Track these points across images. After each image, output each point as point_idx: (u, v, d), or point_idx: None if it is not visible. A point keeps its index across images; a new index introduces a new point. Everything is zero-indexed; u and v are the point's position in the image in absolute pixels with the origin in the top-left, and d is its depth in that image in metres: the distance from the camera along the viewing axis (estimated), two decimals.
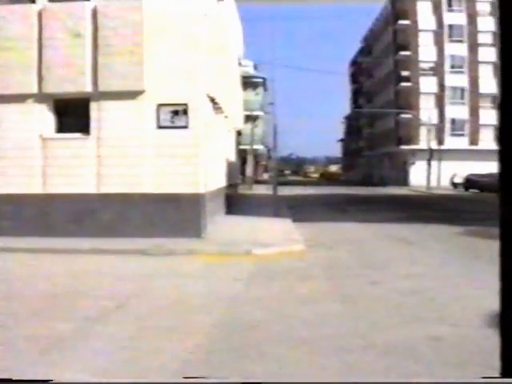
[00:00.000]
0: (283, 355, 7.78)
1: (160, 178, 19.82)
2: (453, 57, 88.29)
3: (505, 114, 3.43)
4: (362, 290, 12.34)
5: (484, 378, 5.03)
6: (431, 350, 8.06)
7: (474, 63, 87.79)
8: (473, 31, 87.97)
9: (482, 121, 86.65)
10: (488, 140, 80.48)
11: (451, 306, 10.78)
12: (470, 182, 67.05)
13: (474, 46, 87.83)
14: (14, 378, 6.17)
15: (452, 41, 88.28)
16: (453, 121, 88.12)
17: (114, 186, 19.91)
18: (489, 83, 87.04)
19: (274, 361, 7.55)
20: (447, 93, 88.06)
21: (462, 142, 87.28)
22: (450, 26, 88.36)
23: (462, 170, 73.61)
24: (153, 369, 7.25)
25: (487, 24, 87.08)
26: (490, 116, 79.89)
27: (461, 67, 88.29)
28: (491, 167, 61.54)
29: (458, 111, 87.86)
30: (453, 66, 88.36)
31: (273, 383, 6.66)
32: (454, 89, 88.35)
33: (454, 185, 74.92)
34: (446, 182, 75.54)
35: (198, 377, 6.69)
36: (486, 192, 60.19)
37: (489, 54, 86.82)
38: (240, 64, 48.08)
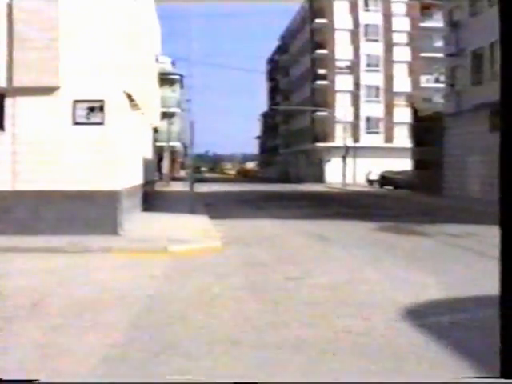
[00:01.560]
0: (200, 351, 7.82)
1: (76, 175, 19.59)
2: (368, 56, 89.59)
3: (505, 114, 3.51)
4: (278, 285, 12.45)
5: (484, 378, 5.17)
6: (346, 344, 8.23)
7: (389, 62, 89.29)
8: (388, 31, 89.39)
9: (396, 119, 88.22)
10: (402, 138, 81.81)
11: (365, 300, 10.97)
12: (385, 179, 68.14)
13: (389, 46, 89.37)
14: (3, 379, 6.14)
15: (368, 40, 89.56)
16: (368, 119, 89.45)
17: (29, 182, 19.58)
18: (403, 82, 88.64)
19: (191, 358, 7.59)
20: (363, 91, 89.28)
21: (377, 140, 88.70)
22: (366, 26, 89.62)
23: (377, 167, 74.73)
24: (69, 366, 7.22)
25: (402, 24, 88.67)
26: (404, 114, 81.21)
27: (376, 66, 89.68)
28: (405, 164, 62.76)
29: (373, 109, 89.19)
30: (368, 65, 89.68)
31: (273, 383, 6.71)
32: (370, 87, 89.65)
33: (370, 182, 76.07)
34: (361, 179, 76.65)
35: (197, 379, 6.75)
36: (400, 189, 61.35)
37: (403, 54, 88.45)
38: (157, 61, 47.83)
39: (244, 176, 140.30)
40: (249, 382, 6.53)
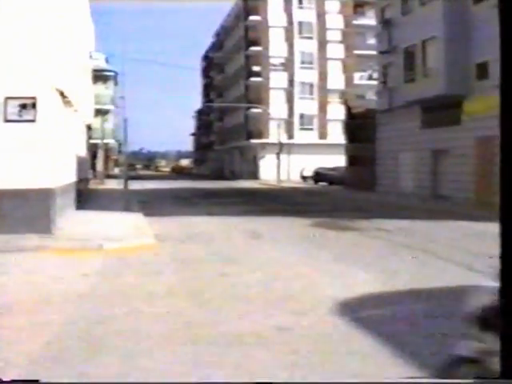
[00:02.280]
0: (134, 349, 7.81)
1: (8, 173, 19.31)
2: (303, 53, 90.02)
3: (505, 114, 3.51)
4: (212, 282, 12.48)
5: (484, 378, 5.20)
6: (279, 339, 8.28)
7: (322, 60, 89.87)
8: (322, 28, 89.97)
9: (330, 116, 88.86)
10: (336, 134, 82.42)
11: (298, 296, 11.06)
12: (319, 175, 68.58)
13: (323, 43, 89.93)
14: (3, 379, 6.03)
15: (302, 37, 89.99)
16: (302, 115, 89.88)
17: None
18: (337, 79, 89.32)
19: (126, 356, 7.56)
20: (297, 88, 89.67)
21: (311, 136, 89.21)
22: (300, 23, 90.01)
23: (311, 163, 75.17)
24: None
25: (335, 22, 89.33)
26: (337, 111, 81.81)
27: (310, 63, 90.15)
28: (339, 160, 63.27)
29: (307, 106, 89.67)
30: (303, 62, 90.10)
31: (273, 383, 6.69)
32: (304, 84, 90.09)
33: (304, 178, 76.46)
34: (295, 176, 77.00)
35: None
36: (334, 185, 61.85)
37: (337, 51, 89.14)
38: (91, 57, 47.34)
39: (178, 173, 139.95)
40: (250, 382, 6.54)
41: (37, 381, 5.44)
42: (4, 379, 5.90)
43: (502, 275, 3.43)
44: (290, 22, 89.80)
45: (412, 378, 6.35)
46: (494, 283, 3.88)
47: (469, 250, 17.16)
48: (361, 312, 9.87)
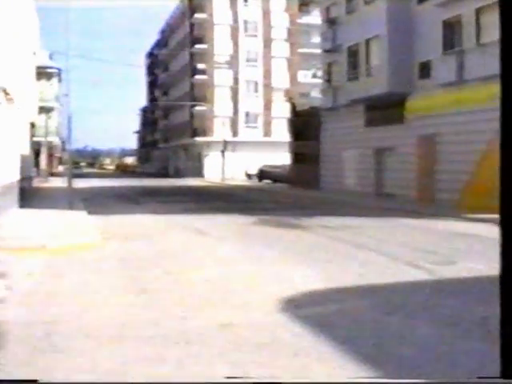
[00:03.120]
0: (78, 349, 7.76)
1: None
2: (248, 51, 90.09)
3: (505, 114, 3.53)
4: (157, 280, 12.44)
5: (484, 378, 5.21)
6: (223, 336, 8.30)
7: (267, 58, 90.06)
8: (267, 26, 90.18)
9: (274, 113, 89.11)
10: (280, 132, 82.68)
11: (243, 293, 11.09)
12: (264, 173, 68.70)
13: (268, 41, 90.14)
14: (1, 379, 6.05)
15: (247, 35, 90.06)
16: (247, 113, 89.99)
17: None
18: (282, 77, 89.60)
19: (69, 355, 7.52)
20: (242, 86, 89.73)
21: (256, 134, 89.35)
22: (245, 21, 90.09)
23: (256, 161, 75.31)
24: None
25: (281, 20, 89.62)
26: (282, 109, 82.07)
27: (255, 61, 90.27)
28: (284, 158, 63.47)
29: (252, 104, 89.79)
30: (248, 60, 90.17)
31: (273, 383, 6.67)
32: (249, 82, 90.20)
33: (248, 176, 76.56)
34: (240, 173, 77.08)
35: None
36: (279, 183, 62.06)
37: (282, 49, 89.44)
38: (34, 54, 46.83)
39: (123, 171, 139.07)
40: (250, 382, 6.53)
41: (35, 381, 5.42)
42: (1, 379, 5.87)
43: (502, 276, 3.46)
44: (236, 20, 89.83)
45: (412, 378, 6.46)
46: None
47: (411, 247, 17.38)
48: (305, 309, 9.93)
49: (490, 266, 14.33)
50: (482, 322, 9.07)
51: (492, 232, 22.05)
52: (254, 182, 68.95)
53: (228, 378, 6.48)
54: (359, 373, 6.75)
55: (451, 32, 33.93)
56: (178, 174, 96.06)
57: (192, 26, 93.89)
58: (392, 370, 6.88)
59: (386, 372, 6.79)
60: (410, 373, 6.84)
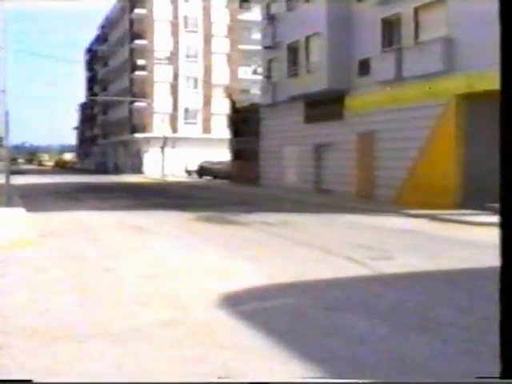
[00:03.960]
0: (18, 349, 7.67)
1: None
2: (188, 47, 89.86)
3: (505, 114, 3.52)
4: (95, 277, 12.33)
5: (484, 378, 5.20)
6: (163, 334, 8.26)
7: (208, 54, 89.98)
8: (207, 22, 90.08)
9: (214, 110, 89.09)
10: (220, 128, 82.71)
11: (183, 290, 11.04)
12: (204, 169, 68.69)
13: (208, 37, 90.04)
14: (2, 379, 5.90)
15: (187, 31, 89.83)
16: (186, 109, 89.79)
17: None
18: (221, 73, 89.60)
19: (10, 355, 7.43)
20: (182, 82, 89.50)
21: (196, 131, 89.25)
22: (186, 17, 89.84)
23: (196, 157, 75.23)
24: None
25: (221, 16, 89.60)
26: (222, 105, 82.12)
27: (195, 57, 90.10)
28: (224, 154, 63.50)
29: (191, 100, 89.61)
30: (188, 56, 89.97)
31: (273, 383, 6.59)
32: (189, 78, 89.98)
33: (188, 172, 76.45)
34: (180, 170, 76.92)
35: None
36: (219, 179, 62.08)
37: (222, 46, 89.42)
38: None
39: (62, 167, 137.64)
40: (250, 382, 6.49)
41: (30, 381, 5.35)
42: (3, 379, 5.78)
43: (502, 276, 3.47)
44: (176, 16, 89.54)
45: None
46: None
47: (351, 242, 17.53)
48: (245, 305, 9.94)
49: (427, 260, 14.56)
50: (420, 315, 9.20)
51: (428, 227, 22.46)
52: (194, 179, 68.84)
53: (220, 378, 6.48)
54: (301, 368, 6.78)
55: (390, 30, 34.30)
56: (117, 171, 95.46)
57: (132, 21, 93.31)
58: (331, 366, 6.92)
59: (325, 367, 6.84)
60: (347, 367, 6.89)
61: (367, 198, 34.55)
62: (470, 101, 28.16)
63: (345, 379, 6.62)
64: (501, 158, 3.44)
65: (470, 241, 18.40)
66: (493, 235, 18.31)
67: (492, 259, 15.39)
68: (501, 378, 3.47)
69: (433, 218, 25.05)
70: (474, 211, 25.57)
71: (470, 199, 27.01)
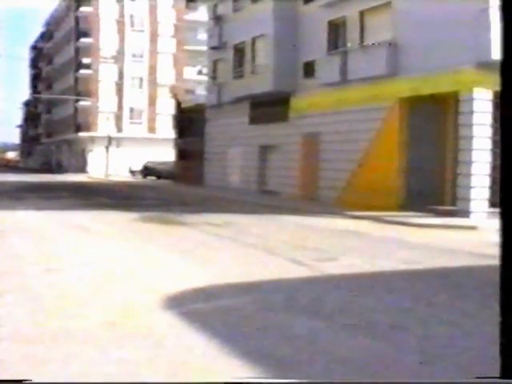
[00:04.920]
0: None
1: None
2: (134, 46, 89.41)
3: (505, 114, 3.51)
4: (36, 278, 12.14)
5: (484, 378, 5.18)
6: (106, 335, 8.19)
7: (153, 53, 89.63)
8: (153, 22, 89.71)
9: (159, 110, 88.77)
10: (165, 128, 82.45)
11: (126, 291, 10.93)
12: (148, 170, 68.51)
13: (154, 37, 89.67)
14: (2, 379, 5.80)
15: (134, 30, 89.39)
16: (132, 109, 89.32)
17: None
18: (167, 73, 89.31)
19: None
20: (127, 81, 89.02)
21: (141, 130, 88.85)
22: (132, 16, 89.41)
23: (141, 157, 74.89)
24: None
25: (168, 16, 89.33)
26: (167, 105, 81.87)
27: (141, 57, 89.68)
28: (169, 155, 63.32)
29: (136, 100, 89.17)
30: (133, 56, 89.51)
31: (273, 383, 6.49)
32: (134, 78, 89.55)
33: (133, 172, 76.08)
34: (125, 170, 76.50)
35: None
36: (163, 179, 61.89)
37: (168, 45, 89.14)
38: None
39: (5, 166, 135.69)
40: (250, 382, 6.41)
41: (29, 380, 5.26)
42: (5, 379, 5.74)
43: (502, 275, 3.47)
44: (122, 15, 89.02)
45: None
46: None
47: (295, 244, 17.59)
48: (189, 306, 9.91)
49: (369, 261, 14.69)
50: (363, 315, 9.28)
51: (371, 229, 22.66)
52: (139, 179, 68.53)
53: (220, 378, 6.44)
54: (241, 366, 6.79)
55: (336, 33, 34.55)
56: (61, 170, 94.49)
57: (77, 19, 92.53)
58: (272, 366, 6.94)
59: (267, 368, 6.85)
60: (290, 369, 6.91)
61: (311, 199, 34.72)
62: (414, 104, 28.51)
63: (345, 379, 6.67)
64: (501, 158, 3.49)
65: (411, 242, 18.61)
66: (433, 236, 18.56)
67: (433, 260, 15.55)
68: (501, 378, 3.50)
69: (376, 219, 25.27)
70: (416, 213, 25.90)
71: (412, 201, 27.35)
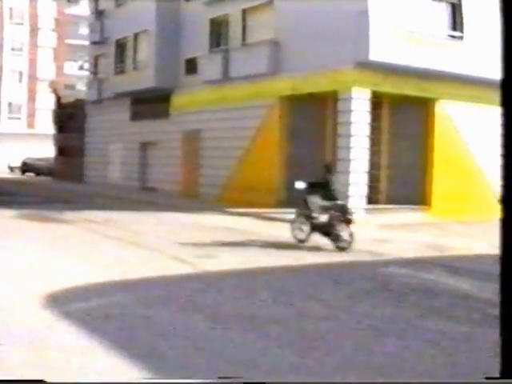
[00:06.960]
0: None
1: None
2: (13, 39, 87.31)
3: (506, 114, 3.48)
4: None
5: (484, 378, 5.11)
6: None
7: (33, 47, 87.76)
8: (34, 15, 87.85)
9: (39, 105, 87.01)
10: (45, 124, 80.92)
11: (5, 290, 10.70)
12: (27, 166, 67.12)
13: (34, 30, 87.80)
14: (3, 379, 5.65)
15: (12, 23, 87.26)
16: (10, 104, 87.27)
17: None
18: (47, 68, 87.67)
19: None
20: (5, 75, 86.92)
21: (20, 126, 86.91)
22: (11, 8, 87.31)
23: (19, 153, 73.27)
24: None
25: (49, 9, 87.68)
26: (46, 100, 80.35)
27: (20, 50, 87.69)
28: (48, 151, 62.16)
29: (15, 94, 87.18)
30: (13, 49, 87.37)
31: (273, 383, 6.26)
32: (13, 71, 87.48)
33: (11, 168, 74.43)
34: (3, 166, 74.74)
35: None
36: (42, 175, 60.79)
37: (49, 39, 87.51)
38: None
39: None
40: (250, 382, 6.24)
41: (41, 381, 5.04)
42: (7, 379, 5.70)
43: (502, 274, 3.48)
44: (1, 7, 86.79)
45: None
46: None
47: (175, 241, 17.61)
48: (70, 305, 9.77)
49: (248, 258, 14.89)
50: (238, 310, 9.40)
51: (250, 225, 22.92)
52: (17, 175, 67.04)
53: (220, 377, 6.36)
54: (122, 363, 6.77)
55: (218, 31, 34.66)
56: None
57: None
58: (156, 365, 6.95)
59: (152, 368, 6.85)
60: (178, 369, 6.94)
61: (192, 196, 34.77)
62: (294, 102, 28.93)
63: (345, 379, 6.69)
64: (502, 159, 3.57)
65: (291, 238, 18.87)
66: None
67: (312, 257, 15.78)
68: (501, 378, 3.56)
69: (256, 216, 25.55)
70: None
71: (292, 198, 27.74)
